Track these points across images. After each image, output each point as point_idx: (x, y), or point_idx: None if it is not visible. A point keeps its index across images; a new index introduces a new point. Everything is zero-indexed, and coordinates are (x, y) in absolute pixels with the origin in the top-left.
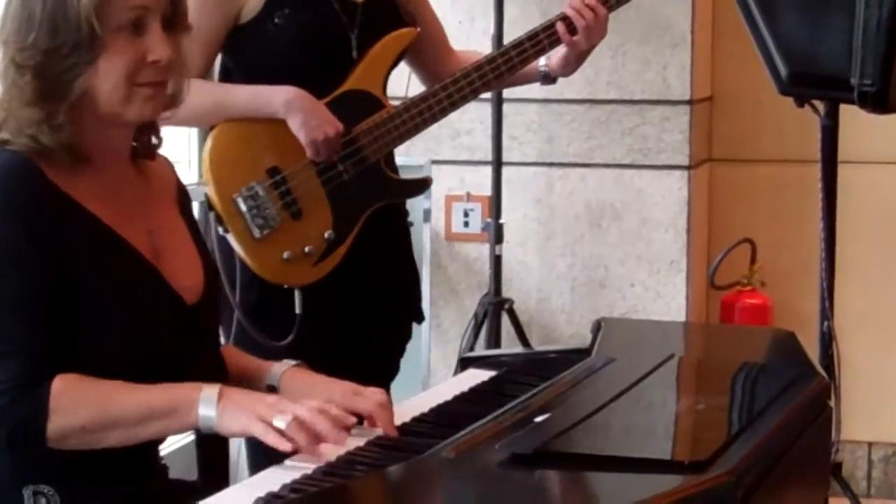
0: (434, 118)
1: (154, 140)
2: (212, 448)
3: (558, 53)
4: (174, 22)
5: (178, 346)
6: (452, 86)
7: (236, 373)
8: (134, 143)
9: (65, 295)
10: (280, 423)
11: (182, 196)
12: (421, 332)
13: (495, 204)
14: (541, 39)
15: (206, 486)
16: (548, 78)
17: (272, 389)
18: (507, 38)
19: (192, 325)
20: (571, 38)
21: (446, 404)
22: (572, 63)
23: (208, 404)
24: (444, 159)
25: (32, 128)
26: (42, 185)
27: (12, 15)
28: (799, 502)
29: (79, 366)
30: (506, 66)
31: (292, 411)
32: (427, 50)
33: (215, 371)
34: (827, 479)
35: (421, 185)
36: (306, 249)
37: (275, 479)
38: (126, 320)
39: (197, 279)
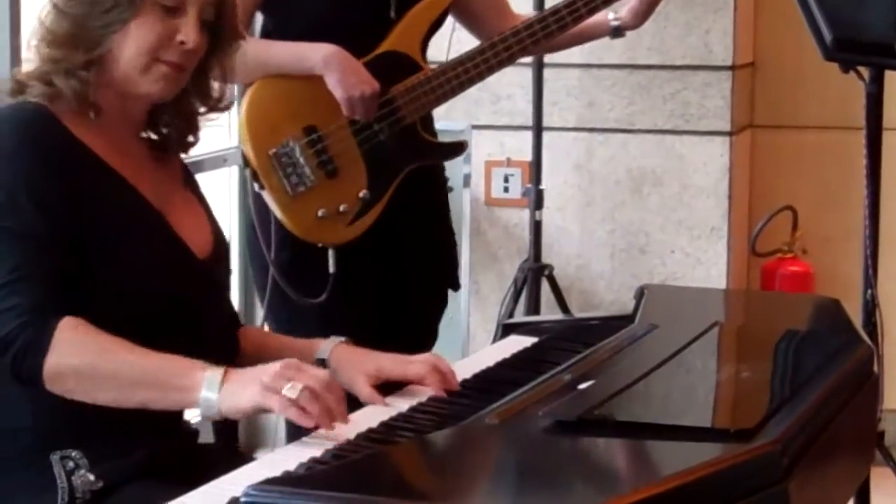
0: (471, 81)
1: (190, 137)
2: None
3: (627, 5)
4: (215, 27)
5: (189, 296)
6: (490, 50)
7: (271, 351)
8: (163, 131)
9: (81, 238)
10: (291, 392)
11: (184, 171)
12: (460, 297)
13: (535, 169)
14: (549, 23)
15: (219, 448)
16: (618, 31)
17: (322, 363)
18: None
19: (203, 278)
20: None
21: (489, 370)
22: (642, 14)
23: (211, 385)
24: (483, 124)
25: (48, 66)
26: (61, 133)
27: None
28: (844, 472)
29: (93, 310)
30: (530, 40)
31: (301, 381)
32: (480, 10)
33: (226, 326)
34: (872, 448)
35: (457, 149)
36: (341, 208)
37: (317, 444)
38: (140, 267)
39: (206, 238)
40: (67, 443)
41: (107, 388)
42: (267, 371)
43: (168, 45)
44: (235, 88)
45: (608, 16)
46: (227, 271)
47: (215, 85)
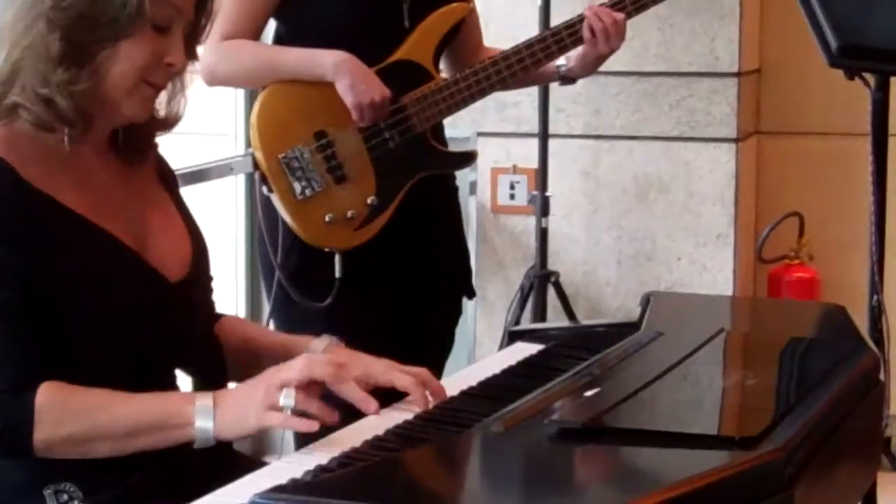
0: (482, 93)
1: (147, 141)
2: None
3: (576, 54)
4: (190, 37)
5: (164, 326)
6: (503, 62)
7: (261, 346)
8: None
9: (48, 293)
10: (288, 400)
11: (163, 171)
12: (467, 305)
13: (541, 176)
14: (563, 37)
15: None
16: (566, 78)
17: None
18: (554, 10)
19: (178, 304)
20: (593, 38)
21: (494, 378)
22: (590, 65)
23: (204, 415)
24: (490, 131)
25: (51, 88)
26: (16, 185)
27: None
28: (849, 479)
29: (68, 360)
30: (543, 53)
31: (289, 380)
32: (465, 35)
33: (207, 347)
34: (878, 455)
35: (466, 158)
36: (349, 214)
37: (323, 451)
38: (109, 309)
39: (183, 255)
40: (61, 476)
41: (102, 445)
42: (259, 388)
43: (157, 67)
44: (244, 93)
45: (558, 61)
46: (208, 279)
47: (162, 106)
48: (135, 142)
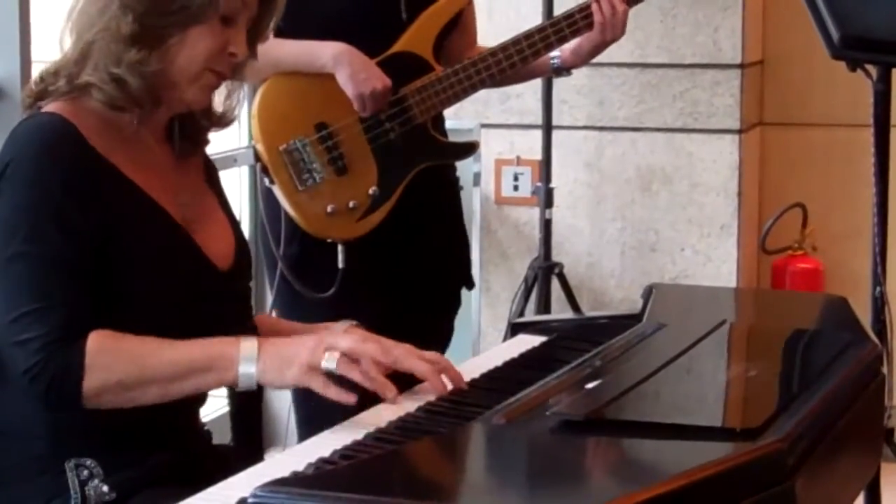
0: (482, 83)
1: (202, 135)
2: (245, 413)
3: (569, 45)
4: (253, 33)
5: (210, 310)
6: (502, 52)
7: (284, 335)
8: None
9: (102, 255)
10: (330, 363)
11: (207, 167)
12: (471, 296)
13: (545, 168)
14: (562, 27)
15: (241, 451)
16: (560, 70)
17: None
18: (557, 1)
19: (225, 291)
20: (602, 23)
21: (497, 370)
22: (584, 54)
23: (248, 360)
24: (493, 123)
25: (122, 68)
26: (83, 147)
27: None
28: (852, 469)
29: (112, 327)
30: (542, 44)
31: (337, 347)
32: (461, 28)
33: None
34: (880, 446)
35: (467, 149)
36: (350, 204)
37: (325, 444)
38: (159, 284)
39: (228, 247)
40: (82, 450)
41: (151, 391)
42: (306, 346)
43: (220, 56)
44: (245, 88)
45: (550, 54)
46: (249, 276)
47: (220, 104)
48: (190, 134)
